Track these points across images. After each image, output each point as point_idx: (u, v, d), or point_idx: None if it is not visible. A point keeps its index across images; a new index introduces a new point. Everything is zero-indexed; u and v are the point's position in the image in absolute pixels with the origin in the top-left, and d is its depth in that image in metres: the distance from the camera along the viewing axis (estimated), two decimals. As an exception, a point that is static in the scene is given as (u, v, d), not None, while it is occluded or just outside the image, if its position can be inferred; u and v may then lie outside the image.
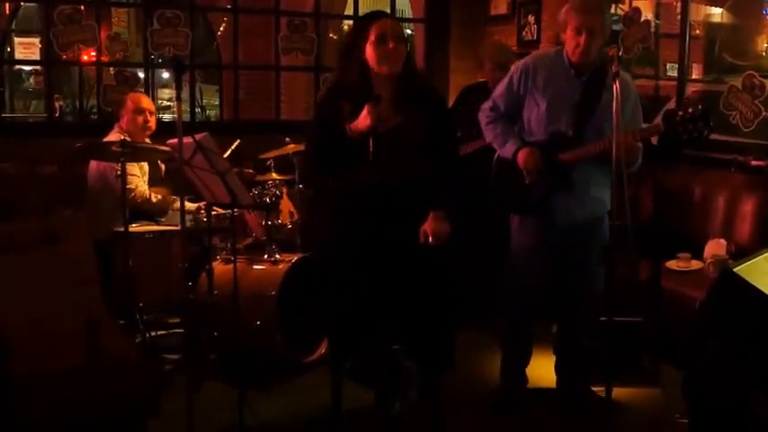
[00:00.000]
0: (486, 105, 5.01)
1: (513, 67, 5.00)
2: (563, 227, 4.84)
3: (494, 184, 5.04)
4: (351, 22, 9.64)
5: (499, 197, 5.08)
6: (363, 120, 4.16)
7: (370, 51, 4.24)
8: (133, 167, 6.04)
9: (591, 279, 4.93)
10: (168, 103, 14.56)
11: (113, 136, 6.05)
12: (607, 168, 4.73)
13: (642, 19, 7.16)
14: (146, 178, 6.25)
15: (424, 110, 4.36)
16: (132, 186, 5.98)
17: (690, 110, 4.45)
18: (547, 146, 4.76)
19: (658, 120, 4.48)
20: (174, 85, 4.30)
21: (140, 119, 6.23)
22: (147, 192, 6.14)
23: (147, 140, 6.20)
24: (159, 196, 6.18)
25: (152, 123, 6.32)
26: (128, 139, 5.77)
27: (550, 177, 4.75)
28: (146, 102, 6.37)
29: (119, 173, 5.49)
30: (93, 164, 6.17)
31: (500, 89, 4.97)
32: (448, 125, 4.59)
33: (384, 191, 4.29)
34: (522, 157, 4.75)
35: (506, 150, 4.85)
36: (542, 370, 5.42)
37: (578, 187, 4.77)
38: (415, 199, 4.29)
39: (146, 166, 6.24)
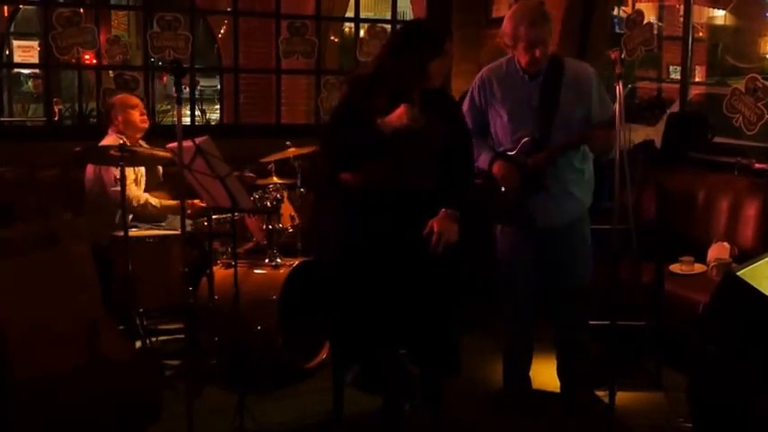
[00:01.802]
0: None
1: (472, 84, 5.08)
2: (544, 229, 4.86)
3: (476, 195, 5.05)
4: (352, 24, 9.60)
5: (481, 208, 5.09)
6: (399, 118, 4.18)
7: (438, 64, 4.30)
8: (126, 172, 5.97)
9: (576, 277, 4.98)
10: (167, 107, 14.54)
11: (110, 140, 6.00)
12: (581, 165, 4.86)
13: (645, 21, 7.14)
14: (143, 181, 6.19)
15: (443, 114, 4.40)
16: (118, 189, 5.90)
17: (646, 98, 4.47)
18: (517, 154, 4.80)
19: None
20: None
21: (135, 113, 6.17)
22: (142, 195, 6.07)
23: (143, 143, 6.16)
24: (155, 201, 6.10)
25: (146, 118, 6.29)
26: (125, 141, 5.72)
27: (524, 184, 4.78)
28: (134, 99, 6.33)
29: (116, 177, 5.46)
30: (89, 168, 6.10)
31: (465, 108, 5.02)
32: (465, 130, 4.64)
33: (402, 196, 4.29)
34: (496, 168, 4.82)
35: (482, 162, 4.90)
36: (546, 374, 5.39)
37: (554, 189, 4.79)
38: (431, 206, 4.31)
39: (142, 169, 6.16)
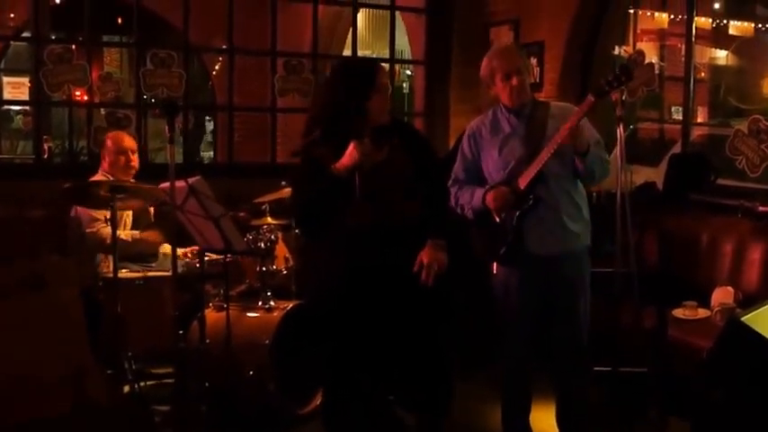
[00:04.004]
0: (449, 185, 5.05)
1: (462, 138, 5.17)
2: (539, 261, 4.77)
3: (474, 241, 5.03)
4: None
5: (480, 253, 5.05)
6: (350, 156, 4.17)
7: (377, 100, 4.29)
8: (98, 213, 5.88)
9: (573, 322, 4.89)
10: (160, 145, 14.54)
11: (98, 177, 5.95)
12: (578, 199, 4.85)
13: (646, 61, 7.12)
14: (128, 222, 6.11)
15: (402, 142, 4.43)
16: (93, 230, 5.85)
17: (613, 72, 4.54)
18: (507, 178, 4.79)
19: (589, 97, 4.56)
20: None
21: (122, 159, 6.10)
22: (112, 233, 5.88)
23: (132, 181, 6.06)
24: (126, 235, 5.99)
25: (134, 162, 6.19)
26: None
27: (517, 203, 4.74)
28: (127, 141, 6.24)
29: (93, 216, 5.59)
30: (72, 208, 6.01)
31: (457, 164, 5.08)
32: (429, 151, 4.74)
33: (379, 232, 4.28)
34: (489, 197, 4.79)
35: (476, 199, 4.87)
36: (546, 422, 5.27)
37: (547, 217, 4.74)
38: (414, 237, 4.30)
39: (129, 211, 6.08)
